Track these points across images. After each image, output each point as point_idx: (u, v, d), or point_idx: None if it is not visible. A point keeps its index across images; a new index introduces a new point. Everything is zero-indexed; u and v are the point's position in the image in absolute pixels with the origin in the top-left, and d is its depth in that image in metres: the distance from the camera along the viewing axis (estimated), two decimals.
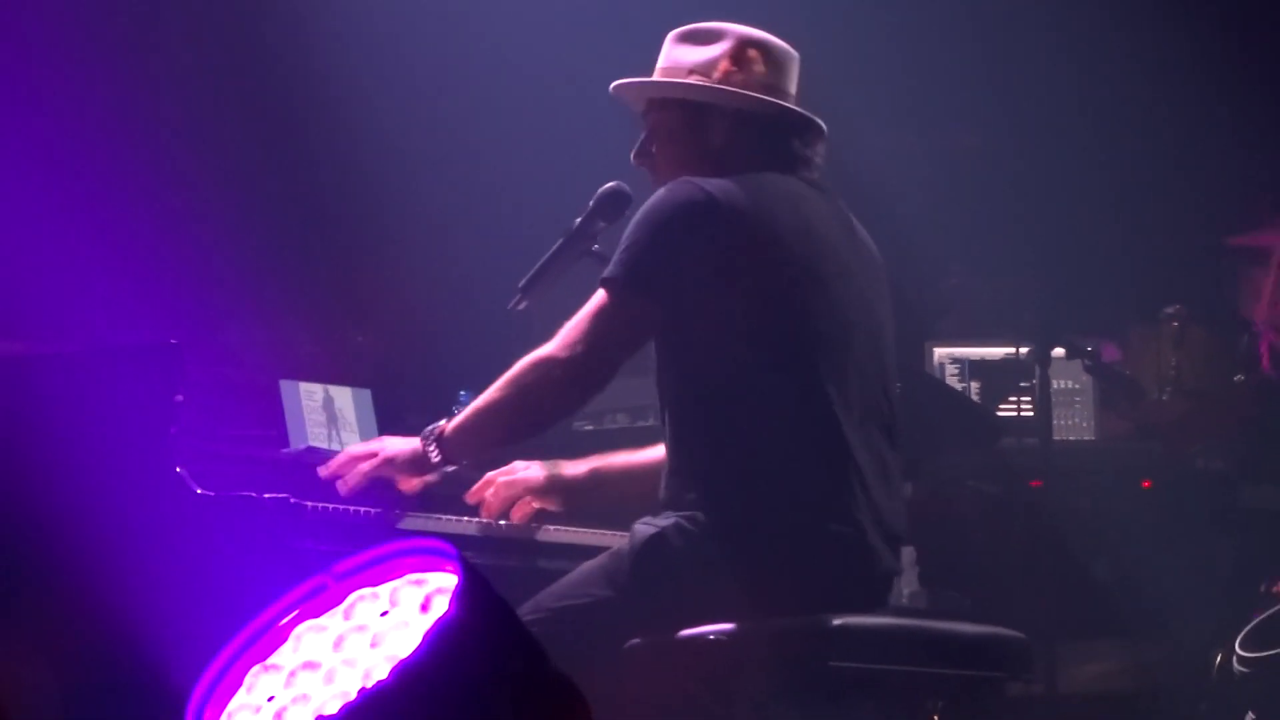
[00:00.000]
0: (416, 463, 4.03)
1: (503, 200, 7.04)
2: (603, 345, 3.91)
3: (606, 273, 3.93)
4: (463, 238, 7.00)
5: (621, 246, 3.94)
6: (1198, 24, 7.18)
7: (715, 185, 3.92)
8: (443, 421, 4.03)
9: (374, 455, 4.05)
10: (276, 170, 7.13)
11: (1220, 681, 5.50)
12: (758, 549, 3.82)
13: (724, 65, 4.07)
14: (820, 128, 4.12)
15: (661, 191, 3.96)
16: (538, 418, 3.99)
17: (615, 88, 4.18)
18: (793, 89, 4.13)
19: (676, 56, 4.12)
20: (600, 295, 3.93)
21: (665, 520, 3.88)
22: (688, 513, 3.87)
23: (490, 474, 4.25)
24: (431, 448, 4.00)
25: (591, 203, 4.32)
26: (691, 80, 4.08)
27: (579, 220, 4.32)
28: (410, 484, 4.06)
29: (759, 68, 4.08)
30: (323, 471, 4.04)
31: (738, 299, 3.89)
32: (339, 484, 4.03)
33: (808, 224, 3.98)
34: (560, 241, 4.33)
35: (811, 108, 4.15)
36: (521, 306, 4.36)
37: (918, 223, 7.15)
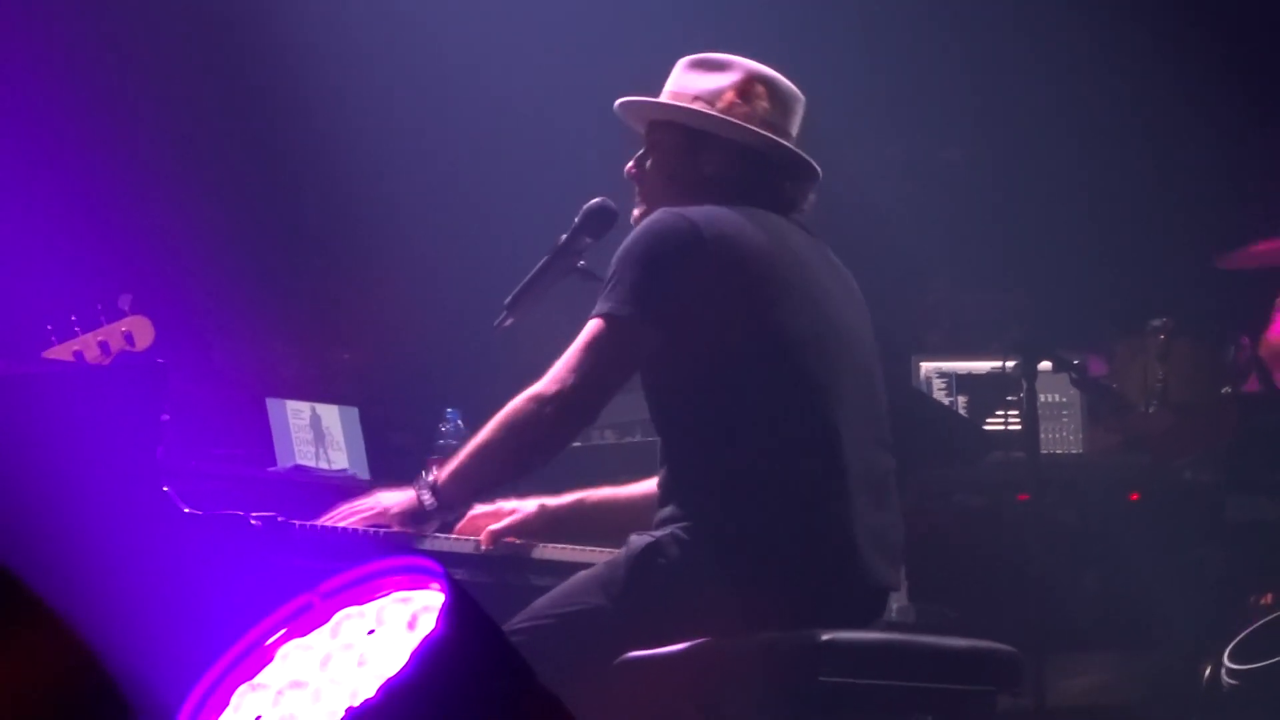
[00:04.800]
0: (414, 514, 4.02)
1: (488, 217, 7.04)
2: (598, 376, 3.91)
3: (599, 309, 3.92)
4: (448, 255, 7.00)
5: (611, 280, 3.93)
6: (1181, 38, 7.21)
7: (697, 213, 3.94)
8: (435, 470, 4.02)
9: (371, 508, 4.05)
10: (262, 189, 7.13)
11: (1209, 694, 5.50)
12: (752, 561, 3.82)
13: (729, 96, 4.09)
14: (815, 170, 4.13)
15: (645, 223, 3.97)
16: (533, 455, 3.98)
17: (620, 105, 4.19)
18: (794, 130, 4.14)
19: (684, 82, 4.14)
20: (592, 328, 3.92)
21: (661, 531, 3.88)
22: (683, 524, 3.87)
23: (475, 513, 4.24)
24: (427, 496, 3.99)
25: (577, 219, 4.31)
26: (695, 106, 4.09)
27: (565, 236, 4.32)
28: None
29: (763, 103, 4.09)
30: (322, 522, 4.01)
31: (727, 319, 3.90)
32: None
33: (789, 249, 4.01)
34: (546, 258, 4.33)
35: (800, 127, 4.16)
36: (508, 323, 4.36)
37: (903, 237, 7.16)
